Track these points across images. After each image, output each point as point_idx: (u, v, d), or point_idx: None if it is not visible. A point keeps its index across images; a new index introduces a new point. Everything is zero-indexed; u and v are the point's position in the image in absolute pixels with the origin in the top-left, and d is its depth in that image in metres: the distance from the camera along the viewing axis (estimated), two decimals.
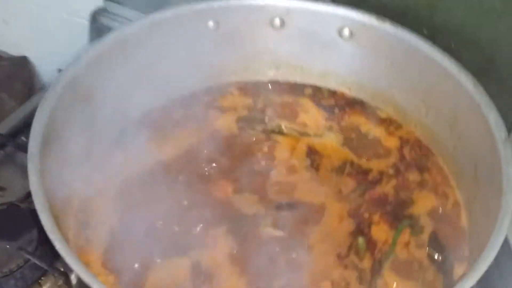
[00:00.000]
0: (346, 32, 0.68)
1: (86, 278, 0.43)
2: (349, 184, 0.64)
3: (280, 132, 0.70)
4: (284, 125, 0.70)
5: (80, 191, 0.58)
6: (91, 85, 0.60)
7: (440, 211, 0.61)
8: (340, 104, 0.72)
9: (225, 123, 0.70)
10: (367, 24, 0.65)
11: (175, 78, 0.68)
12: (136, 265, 0.54)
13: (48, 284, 0.64)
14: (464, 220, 0.59)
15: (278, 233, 0.59)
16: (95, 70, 0.61)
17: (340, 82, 0.72)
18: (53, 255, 0.63)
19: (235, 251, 0.57)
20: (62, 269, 0.61)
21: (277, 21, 0.68)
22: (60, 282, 0.64)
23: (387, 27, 0.64)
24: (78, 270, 0.43)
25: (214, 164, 0.65)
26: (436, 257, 0.57)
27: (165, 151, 0.65)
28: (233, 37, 0.69)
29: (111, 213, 0.58)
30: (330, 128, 0.70)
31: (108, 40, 0.62)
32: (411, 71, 0.65)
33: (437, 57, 0.61)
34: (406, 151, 0.67)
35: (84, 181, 0.58)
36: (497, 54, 0.65)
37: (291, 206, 0.62)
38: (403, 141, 0.68)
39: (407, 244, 0.58)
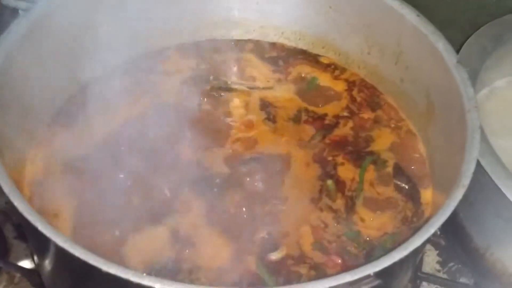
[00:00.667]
0: None
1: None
2: (308, 131, 0.64)
3: (229, 89, 0.68)
4: (231, 81, 0.69)
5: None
6: (23, 62, 0.55)
7: (398, 143, 0.63)
8: (282, 55, 0.72)
9: (171, 87, 0.67)
10: None
11: (113, 46, 0.64)
12: (110, 243, 0.51)
13: (3, 283, 0.59)
14: (422, 148, 0.61)
15: (251, 187, 0.58)
16: (27, 46, 0.55)
17: (279, 33, 0.72)
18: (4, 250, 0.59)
19: (210, 212, 0.55)
20: (17, 264, 0.57)
21: None
22: (17, 279, 0.59)
23: None
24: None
25: (170, 129, 0.62)
26: (402, 186, 0.58)
27: (113, 123, 0.61)
28: None
29: (71, 192, 0.54)
30: (278, 80, 0.69)
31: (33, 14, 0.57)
32: (351, 12, 0.65)
33: None
34: (355, 92, 0.68)
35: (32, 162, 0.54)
36: None
37: (257, 159, 0.61)
38: (350, 84, 0.69)
39: (374, 179, 0.60)
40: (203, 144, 0.61)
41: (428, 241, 0.43)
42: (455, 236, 0.62)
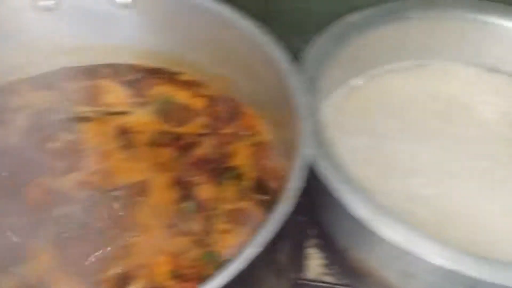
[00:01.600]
0: (123, 0, 0.65)
1: None
2: (167, 153, 0.63)
3: (83, 119, 0.65)
4: (86, 110, 0.66)
5: None
6: None
7: (258, 155, 0.62)
8: (141, 77, 0.70)
9: (21, 123, 0.63)
10: None
11: None
12: None
13: None
14: (277, 158, 0.61)
15: (106, 223, 0.56)
16: None
17: (134, 55, 0.70)
18: None
19: (62, 254, 0.52)
20: None
21: (46, 2, 0.63)
22: None
23: None
24: None
25: (18, 168, 0.58)
26: (263, 199, 0.58)
27: None
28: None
29: None
30: (136, 103, 0.67)
31: None
32: (195, 28, 0.64)
33: (216, 7, 0.61)
34: (215, 108, 0.67)
35: None
36: None
37: (113, 191, 0.58)
38: (210, 99, 0.67)
39: (234, 195, 0.59)
40: (54, 181, 0.58)
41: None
42: (321, 238, 0.62)
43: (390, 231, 0.45)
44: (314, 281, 0.66)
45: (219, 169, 0.61)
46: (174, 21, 0.65)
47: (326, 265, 0.67)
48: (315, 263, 0.68)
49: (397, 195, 0.58)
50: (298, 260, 0.67)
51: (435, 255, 0.44)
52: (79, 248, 0.53)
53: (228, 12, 0.61)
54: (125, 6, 0.65)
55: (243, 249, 0.41)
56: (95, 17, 0.67)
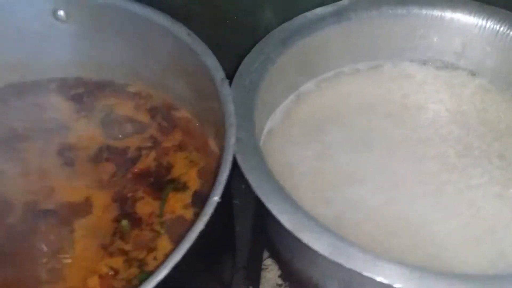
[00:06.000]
0: (61, 14, 0.64)
1: None
2: (108, 169, 0.61)
3: (24, 137, 0.63)
4: (27, 127, 0.64)
5: None
6: None
7: (202, 166, 0.60)
8: (86, 90, 0.69)
9: None
10: (78, 0, 0.62)
11: None
12: None
13: None
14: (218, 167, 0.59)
15: (38, 245, 0.54)
16: None
17: (79, 68, 0.68)
18: None
19: None
20: None
21: None
22: None
23: None
24: None
25: None
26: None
27: None
28: None
29: None
30: (81, 118, 0.66)
31: None
32: (136, 38, 0.63)
33: (151, 15, 0.60)
34: (159, 118, 0.65)
35: None
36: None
37: (48, 213, 0.57)
38: (154, 110, 0.66)
39: (175, 207, 0.57)
40: None
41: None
42: (271, 251, 0.60)
43: (319, 242, 0.43)
44: None
45: (160, 182, 0.59)
46: (113, 32, 0.64)
47: (283, 276, 0.66)
48: (272, 275, 0.67)
49: (344, 206, 0.56)
50: (254, 272, 0.65)
51: (365, 266, 0.42)
52: (8, 273, 0.51)
53: (164, 21, 0.59)
54: (63, 20, 0.64)
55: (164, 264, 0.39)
56: (35, 32, 0.65)
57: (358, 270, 0.41)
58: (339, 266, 0.43)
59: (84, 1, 0.63)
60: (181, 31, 0.58)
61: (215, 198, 0.41)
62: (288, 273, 0.60)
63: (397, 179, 0.57)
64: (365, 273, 0.41)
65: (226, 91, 0.50)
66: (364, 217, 0.55)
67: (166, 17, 0.60)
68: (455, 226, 0.53)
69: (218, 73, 0.53)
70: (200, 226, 0.39)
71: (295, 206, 0.46)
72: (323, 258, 0.44)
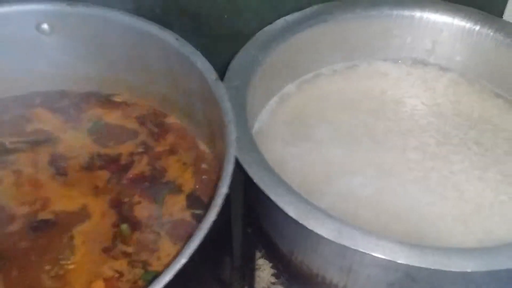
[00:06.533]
0: (45, 27, 0.64)
1: None
2: (102, 176, 0.61)
3: (15, 150, 0.63)
4: (16, 140, 0.64)
5: None
6: None
7: (194, 168, 0.62)
8: (72, 102, 0.69)
9: None
10: (61, 12, 0.62)
11: None
12: None
13: None
14: (212, 170, 0.61)
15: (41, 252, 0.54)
16: None
17: (64, 80, 0.69)
18: None
19: None
20: None
21: None
22: None
23: (81, 10, 0.62)
24: None
25: None
26: (197, 213, 0.57)
27: None
28: None
29: None
30: (70, 129, 0.66)
31: None
32: (122, 47, 0.64)
33: (138, 24, 0.61)
34: (148, 126, 0.66)
35: None
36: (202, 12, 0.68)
37: (47, 222, 0.57)
38: (143, 118, 0.67)
39: (172, 209, 0.58)
40: None
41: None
42: (268, 247, 0.62)
43: (323, 228, 0.45)
44: None
45: (155, 186, 0.60)
46: (99, 43, 0.65)
47: (277, 274, 0.67)
48: (266, 274, 0.68)
49: (338, 198, 0.58)
50: (248, 271, 0.66)
51: (368, 246, 0.44)
52: (13, 281, 0.51)
53: (150, 27, 0.61)
54: (47, 34, 0.64)
55: (173, 262, 0.40)
56: (19, 46, 0.65)
57: (363, 250, 0.43)
58: (343, 249, 0.45)
59: (68, 13, 0.63)
60: (169, 36, 0.59)
61: (224, 189, 0.43)
62: (285, 268, 0.62)
63: (385, 168, 0.60)
64: (370, 253, 0.43)
65: (222, 90, 0.52)
66: (358, 207, 0.57)
67: (152, 24, 0.61)
68: (443, 209, 0.56)
69: (211, 74, 0.54)
70: (212, 216, 0.40)
71: (297, 196, 0.48)
72: (328, 243, 0.46)
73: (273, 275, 0.67)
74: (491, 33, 0.69)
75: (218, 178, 0.45)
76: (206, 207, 0.56)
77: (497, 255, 0.45)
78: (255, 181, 0.48)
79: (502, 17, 0.76)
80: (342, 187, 0.59)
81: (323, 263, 0.52)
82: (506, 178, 0.60)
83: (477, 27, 0.70)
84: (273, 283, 0.67)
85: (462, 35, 0.71)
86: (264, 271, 0.68)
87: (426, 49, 0.74)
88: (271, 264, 0.68)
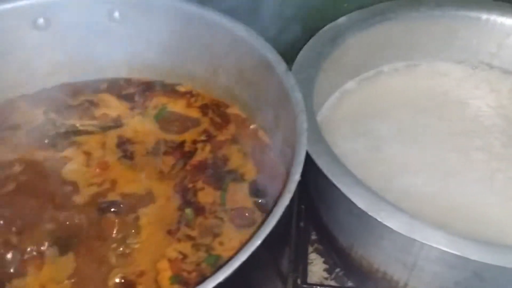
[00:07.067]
0: (116, 15, 0.66)
1: None
2: (168, 162, 0.63)
3: (84, 132, 0.66)
4: (85, 124, 0.66)
5: None
6: None
7: (257, 158, 0.63)
8: (138, 90, 0.71)
9: (19, 140, 0.64)
10: (133, 1, 0.64)
11: None
12: None
13: None
14: (274, 157, 0.61)
15: (107, 233, 0.56)
16: None
17: (131, 68, 0.71)
18: None
19: (61, 268, 0.53)
20: None
21: (41, 21, 0.64)
22: None
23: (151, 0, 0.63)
24: None
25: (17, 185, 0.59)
26: (259, 201, 0.58)
27: None
28: None
29: None
30: (135, 115, 0.68)
31: None
32: (187, 37, 0.65)
33: (208, 15, 0.62)
34: (210, 115, 0.67)
35: None
36: None
37: (114, 203, 0.58)
38: (206, 107, 0.68)
39: (235, 198, 0.59)
40: (53, 198, 0.58)
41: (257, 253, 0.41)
42: (326, 240, 0.62)
43: (394, 220, 0.45)
44: (318, 285, 0.66)
45: (219, 174, 0.61)
46: (166, 33, 0.66)
47: (329, 270, 0.67)
48: (318, 268, 0.68)
49: (400, 196, 0.58)
50: (301, 265, 0.66)
51: (440, 241, 0.44)
52: (81, 260, 0.53)
53: (219, 18, 0.62)
54: (118, 21, 0.66)
55: (242, 248, 0.40)
56: (88, 34, 0.68)
57: (435, 245, 0.43)
58: (410, 243, 0.45)
59: (139, 2, 0.65)
60: (238, 27, 0.60)
61: (297, 177, 0.43)
62: (343, 262, 0.62)
63: (448, 168, 0.60)
64: (442, 248, 0.43)
65: (292, 81, 0.53)
66: (420, 205, 0.57)
67: (221, 15, 0.62)
68: (508, 210, 0.56)
69: (281, 65, 0.55)
70: (286, 201, 0.41)
71: (366, 188, 0.48)
72: (395, 236, 0.46)
73: (325, 270, 0.68)
74: None
75: (289, 166, 0.45)
76: (269, 196, 0.57)
77: None
78: (324, 171, 0.48)
79: None
80: (404, 185, 0.59)
81: (385, 258, 0.52)
82: None
83: None
84: (326, 278, 0.67)
85: None
86: (316, 266, 0.68)
87: (490, 52, 0.73)
88: (323, 259, 0.68)
